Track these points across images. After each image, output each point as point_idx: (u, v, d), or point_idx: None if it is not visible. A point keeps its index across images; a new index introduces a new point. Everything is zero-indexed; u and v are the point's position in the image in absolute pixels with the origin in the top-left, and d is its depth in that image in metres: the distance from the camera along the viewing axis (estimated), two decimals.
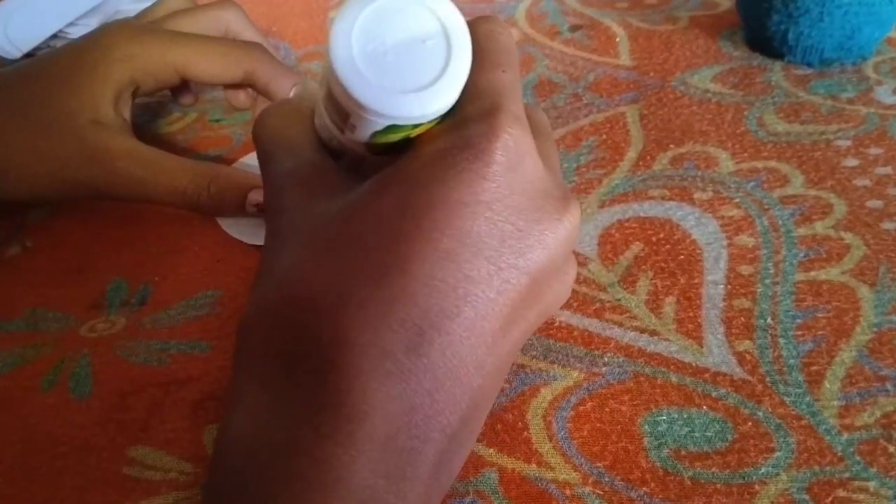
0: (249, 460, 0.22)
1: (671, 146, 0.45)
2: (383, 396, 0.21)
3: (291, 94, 0.45)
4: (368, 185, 0.26)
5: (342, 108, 0.26)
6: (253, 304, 0.25)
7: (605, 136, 0.47)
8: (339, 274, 0.23)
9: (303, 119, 0.31)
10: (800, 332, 0.33)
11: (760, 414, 0.30)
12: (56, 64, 0.44)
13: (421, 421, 0.22)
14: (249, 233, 0.42)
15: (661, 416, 0.31)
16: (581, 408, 0.31)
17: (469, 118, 0.25)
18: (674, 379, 0.32)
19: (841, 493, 0.27)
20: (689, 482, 0.28)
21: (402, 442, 0.22)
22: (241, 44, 0.46)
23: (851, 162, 0.43)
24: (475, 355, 0.23)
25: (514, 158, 0.25)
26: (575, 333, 0.35)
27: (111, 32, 0.44)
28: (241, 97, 0.50)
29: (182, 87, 0.52)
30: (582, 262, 0.38)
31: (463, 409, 0.23)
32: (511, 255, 0.24)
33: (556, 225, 0.26)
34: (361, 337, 0.22)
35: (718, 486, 0.28)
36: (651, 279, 0.37)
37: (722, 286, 0.36)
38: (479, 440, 0.30)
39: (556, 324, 0.35)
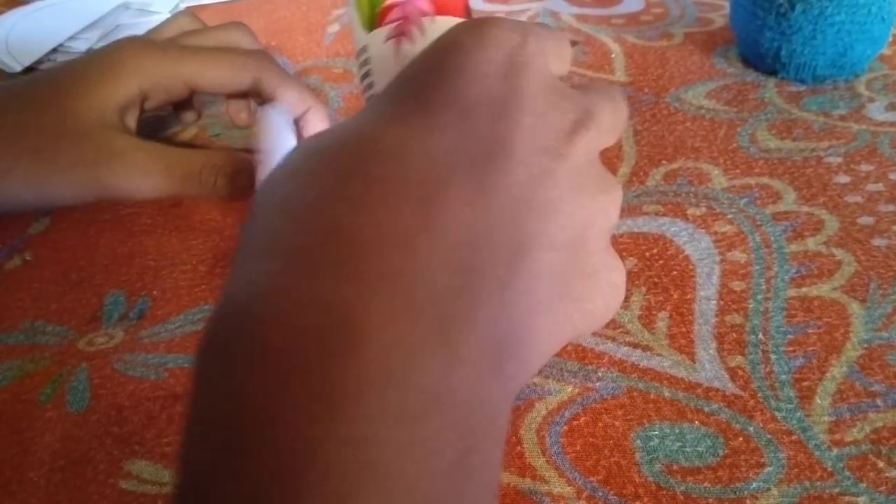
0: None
1: (663, 162, 0.46)
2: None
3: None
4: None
5: None
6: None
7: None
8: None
9: None
10: (791, 348, 0.34)
11: (751, 429, 0.31)
12: (64, 72, 0.44)
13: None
14: None
15: (654, 430, 0.31)
16: (574, 422, 0.32)
17: None
18: (667, 394, 0.32)
19: None
20: (681, 497, 0.29)
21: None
22: (248, 52, 0.47)
23: (843, 179, 0.43)
24: (524, 196, 0.20)
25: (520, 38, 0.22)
26: (569, 348, 0.35)
27: (121, 46, 0.45)
28: (243, 115, 0.51)
29: (186, 102, 0.52)
30: None
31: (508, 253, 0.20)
32: (549, 128, 0.21)
33: (575, 134, 0.22)
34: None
35: (710, 500, 0.28)
36: (644, 294, 0.37)
37: (714, 302, 0.36)
38: None
39: None
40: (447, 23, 0.29)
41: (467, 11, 0.30)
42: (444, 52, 0.22)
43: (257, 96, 0.47)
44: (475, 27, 0.22)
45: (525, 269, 0.20)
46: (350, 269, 0.16)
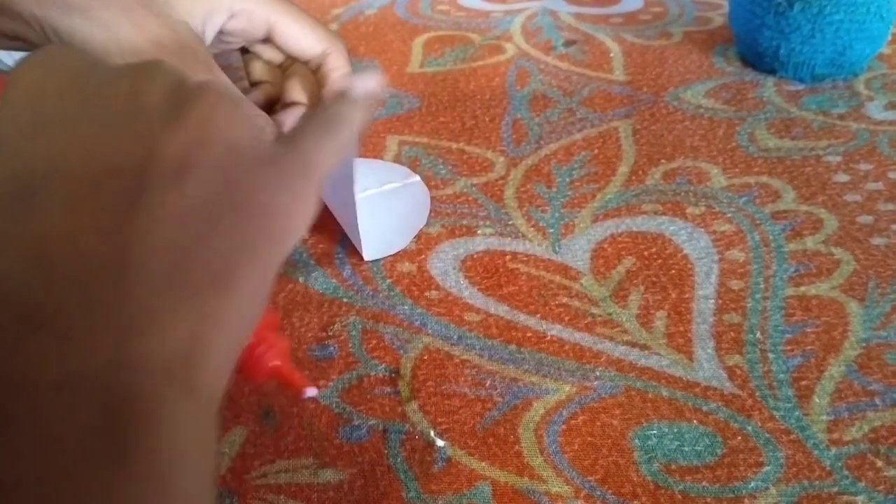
0: None
1: (662, 161, 0.46)
2: None
3: None
4: None
5: None
6: None
7: (596, 151, 0.47)
8: None
9: None
10: (789, 347, 0.34)
11: (750, 428, 0.30)
12: None
13: None
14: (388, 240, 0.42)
15: (652, 430, 0.31)
16: (573, 421, 0.32)
17: None
18: (665, 393, 0.32)
19: None
20: (679, 496, 0.28)
21: None
22: (328, 27, 0.48)
23: (842, 177, 0.43)
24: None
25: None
26: (567, 347, 0.35)
27: None
28: (259, 95, 0.51)
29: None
30: (574, 276, 0.39)
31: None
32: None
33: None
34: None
35: (708, 499, 0.28)
36: (643, 293, 0.37)
37: (712, 301, 0.36)
38: (471, 453, 0.31)
39: (548, 337, 0.35)
40: None
41: None
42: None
43: (316, 69, 0.48)
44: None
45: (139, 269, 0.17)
46: None
